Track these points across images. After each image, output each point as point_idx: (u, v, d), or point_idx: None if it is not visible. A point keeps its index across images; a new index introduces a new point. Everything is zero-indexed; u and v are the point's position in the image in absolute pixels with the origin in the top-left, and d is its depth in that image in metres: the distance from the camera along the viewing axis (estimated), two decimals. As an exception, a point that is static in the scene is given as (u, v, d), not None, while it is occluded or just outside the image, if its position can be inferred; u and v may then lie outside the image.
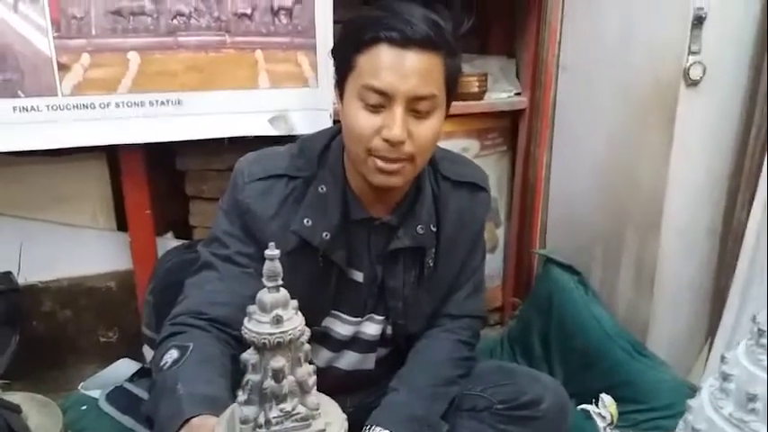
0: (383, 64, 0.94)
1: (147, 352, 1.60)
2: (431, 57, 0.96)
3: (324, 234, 1.05)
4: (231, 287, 1.02)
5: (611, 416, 1.05)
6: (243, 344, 0.99)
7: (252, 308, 0.62)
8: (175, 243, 1.80)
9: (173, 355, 0.93)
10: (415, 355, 1.19)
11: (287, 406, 0.62)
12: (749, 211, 1.48)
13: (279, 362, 0.61)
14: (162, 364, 0.93)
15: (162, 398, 0.88)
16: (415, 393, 1.11)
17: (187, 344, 0.95)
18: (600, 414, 1.04)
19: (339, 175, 1.08)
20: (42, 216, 1.72)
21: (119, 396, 1.69)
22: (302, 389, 0.64)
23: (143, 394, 1.69)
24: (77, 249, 1.77)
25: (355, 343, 1.19)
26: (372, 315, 1.17)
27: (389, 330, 1.19)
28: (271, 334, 0.60)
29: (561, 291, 1.82)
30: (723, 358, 0.90)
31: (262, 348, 0.61)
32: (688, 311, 1.70)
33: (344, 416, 0.68)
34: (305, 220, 1.05)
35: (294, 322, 0.61)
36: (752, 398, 0.82)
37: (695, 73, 1.47)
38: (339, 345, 1.19)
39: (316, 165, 1.08)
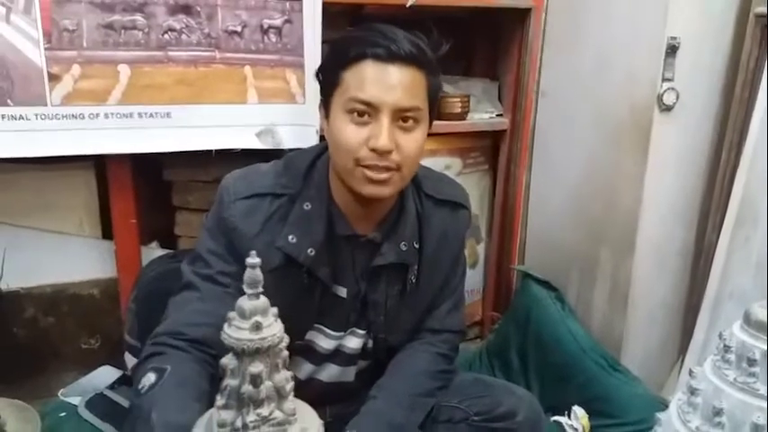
0: (369, 77, 0.98)
1: (129, 359, 1.61)
2: (414, 72, 1.00)
3: (309, 250, 1.07)
4: (212, 308, 1.02)
5: (583, 428, 1.08)
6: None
7: (232, 314, 0.64)
8: (160, 252, 1.81)
9: (150, 378, 0.95)
10: (395, 366, 1.21)
11: (264, 411, 0.65)
12: (719, 233, 1.52)
13: (257, 367, 0.63)
14: (140, 387, 0.95)
15: (137, 425, 0.91)
16: (393, 402, 1.13)
17: (165, 366, 0.97)
18: (572, 426, 1.07)
19: (324, 191, 1.10)
20: (28, 223, 1.73)
21: (99, 403, 1.68)
22: (279, 394, 0.66)
23: (123, 402, 1.69)
24: (62, 256, 1.78)
25: (337, 356, 1.21)
26: (354, 329, 1.19)
27: (371, 344, 1.21)
28: (250, 340, 0.63)
29: (539, 306, 1.86)
30: (691, 373, 0.93)
31: (240, 354, 0.64)
32: (661, 328, 1.73)
33: (321, 421, 0.70)
34: (290, 237, 1.06)
35: (273, 329, 0.64)
36: (717, 412, 0.86)
37: (669, 99, 1.52)
38: (321, 358, 1.20)
39: (301, 182, 1.10)
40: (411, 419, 1.14)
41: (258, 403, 0.64)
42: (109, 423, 1.61)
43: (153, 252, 1.81)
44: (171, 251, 1.81)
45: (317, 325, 1.16)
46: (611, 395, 1.62)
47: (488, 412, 1.17)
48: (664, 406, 1.41)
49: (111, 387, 1.74)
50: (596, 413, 1.59)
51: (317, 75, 1.09)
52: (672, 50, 1.48)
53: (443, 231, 1.20)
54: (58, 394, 1.71)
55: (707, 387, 0.89)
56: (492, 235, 2.15)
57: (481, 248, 2.17)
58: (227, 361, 0.65)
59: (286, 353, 0.67)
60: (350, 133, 1.01)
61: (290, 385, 0.67)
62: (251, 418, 0.64)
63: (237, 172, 1.12)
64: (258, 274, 0.64)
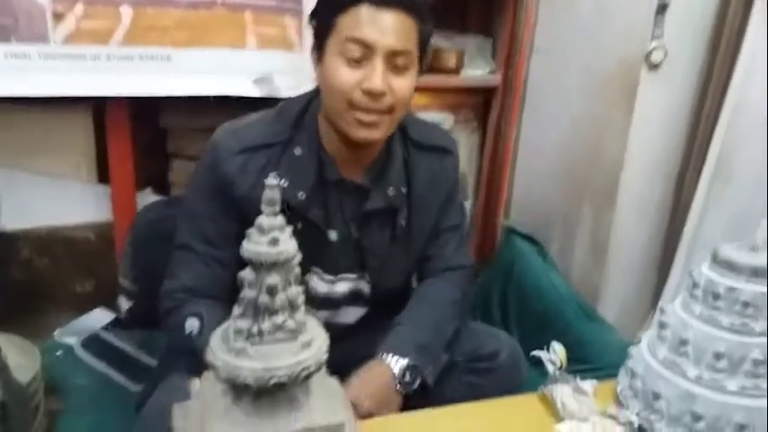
0: (365, 20, 1.01)
1: (123, 302, 1.64)
2: (406, 18, 1.03)
3: (300, 194, 1.10)
4: (216, 271, 1.10)
5: (561, 362, 1.15)
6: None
7: (251, 230, 0.69)
8: (154, 198, 1.83)
9: (193, 323, 1.04)
10: (415, 298, 1.25)
11: (278, 319, 0.70)
12: (696, 188, 1.59)
13: (273, 279, 0.68)
14: (187, 333, 1.04)
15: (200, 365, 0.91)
16: (418, 326, 1.18)
17: (198, 310, 1.06)
18: (550, 360, 1.14)
19: (314, 137, 1.13)
20: (25, 165, 1.73)
21: (94, 343, 1.74)
22: (292, 306, 0.71)
23: (117, 342, 1.75)
24: (57, 199, 1.79)
25: (329, 300, 1.24)
26: (345, 274, 1.22)
27: (366, 289, 1.24)
28: (267, 253, 0.68)
29: (522, 260, 1.93)
30: (662, 310, 1.01)
31: (258, 267, 0.68)
32: (637, 279, 1.80)
33: (326, 333, 0.76)
34: (281, 181, 1.08)
35: (288, 245, 0.69)
36: (683, 342, 0.93)
37: (657, 56, 1.55)
38: (317, 302, 1.23)
39: (292, 128, 1.12)
40: (436, 341, 1.18)
41: (273, 312, 0.70)
42: (104, 361, 1.66)
43: (147, 197, 1.83)
44: (165, 197, 1.84)
45: (313, 268, 1.20)
46: (587, 342, 1.69)
47: (472, 353, 1.24)
48: (634, 349, 1.50)
49: (106, 328, 1.79)
50: (572, 359, 1.65)
51: (310, 19, 1.11)
52: (662, 8, 1.51)
53: (431, 176, 1.23)
54: (54, 334, 1.75)
55: (675, 321, 0.96)
56: (479, 191, 2.20)
57: (468, 205, 2.22)
58: (246, 274, 0.70)
59: (298, 269, 0.72)
60: (344, 75, 1.03)
61: (301, 298, 0.72)
62: (266, 325, 0.70)
63: (227, 126, 1.14)
64: (276, 193, 0.68)
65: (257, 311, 0.70)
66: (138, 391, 1.39)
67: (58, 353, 1.71)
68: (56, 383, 1.55)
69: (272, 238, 0.68)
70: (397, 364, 1.11)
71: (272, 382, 0.68)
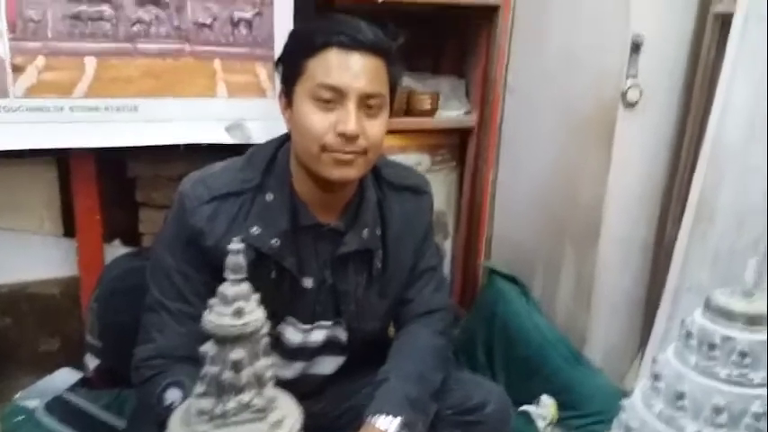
0: (335, 65, 1.01)
1: (90, 360, 1.57)
2: (376, 60, 1.04)
3: (273, 241, 1.07)
4: (191, 328, 1.01)
5: (552, 416, 1.10)
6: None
7: (213, 300, 0.64)
8: (123, 250, 1.78)
9: (174, 393, 0.98)
10: (397, 349, 1.21)
11: (245, 397, 0.64)
12: (679, 227, 1.58)
13: (238, 353, 0.63)
14: (168, 404, 0.97)
15: None
16: (403, 379, 1.13)
17: (179, 378, 0.99)
18: (540, 415, 1.09)
19: (285, 182, 1.11)
20: (-14, 220, 1.68)
21: (58, 406, 1.65)
22: (260, 381, 0.65)
23: (83, 404, 1.66)
24: (21, 255, 1.73)
25: (303, 350, 1.20)
26: (320, 322, 1.19)
27: (343, 336, 1.20)
28: (232, 326, 0.62)
29: (504, 301, 1.89)
30: (654, 360, 0.96)
31: (222, 340, 0.63)
32: (623, 321, 1.78)
33: (300, 409, 0.70)
34: (252, 229, 1.06)
35: (255, 315, 0.63)
36: (680, 395, 0.89)
37: (632, 95, 1.56)
38: (289, 353, 1.19)
39: (262, 174, 1.10)
40: (424, 393, 1.13)
41: (239, 390, 0.64)
42: (68, 426, 1.57)
43: (116, 250, 1.77)
44: (134, 249, 1.78)
45: (288, 317, 1.16)
46: (575, 387, 1.66)
47: (459, 405, 1.19)
48: (625, 396, 1.45)
49: (71, 389, 1.70)
50: (560, 405, 1.62)
51: (277, 64, 1.11)
52: (636, 48, 1.52)
53: (406, 217, 1.21)
54: (15, 398, 1.66)
55: (669, 372, 0.91)
56: (459, 231, 2.17)
57: (448, 245, 2.19)
58: (207, 348, 0.64)
59: (267, 339, 0.66)
60: (316, 119, 1.02)
61: (269, 372, 0.66)
62: (231, 405, 0.63)
63: (194, 176, 1.11)
64: (241, 259, 0.63)
65: (221, 389, 0.64)
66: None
67: (20, 417, 1.61)
68: (16, 452, 1.46)
69: (236, 309, 0.62)
70: (391, 424, 1.06)
71: (238, 470, 0.62)
